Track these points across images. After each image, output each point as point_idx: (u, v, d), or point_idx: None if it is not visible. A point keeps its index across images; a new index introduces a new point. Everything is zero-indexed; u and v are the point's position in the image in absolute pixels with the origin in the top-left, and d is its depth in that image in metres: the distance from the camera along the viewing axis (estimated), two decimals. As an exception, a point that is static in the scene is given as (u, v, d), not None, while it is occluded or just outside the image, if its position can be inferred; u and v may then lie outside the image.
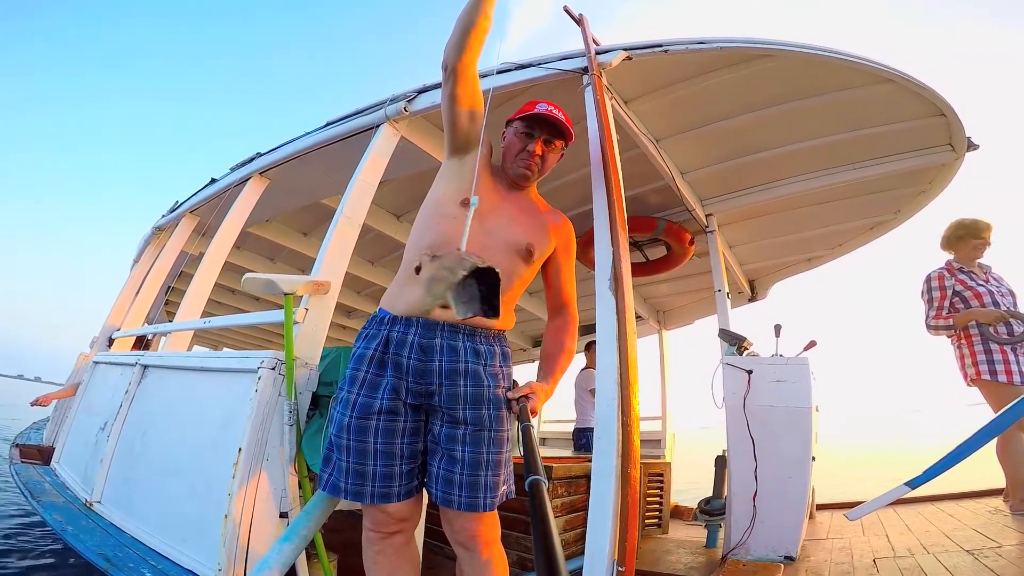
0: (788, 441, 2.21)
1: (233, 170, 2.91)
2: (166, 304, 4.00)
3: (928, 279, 2.69)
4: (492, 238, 1.22)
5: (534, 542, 0.52)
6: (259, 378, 1.55)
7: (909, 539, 2.27)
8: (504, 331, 1.30)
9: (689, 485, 4.81)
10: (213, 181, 3.07)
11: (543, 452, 3.43)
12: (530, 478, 0.63)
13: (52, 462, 2.78)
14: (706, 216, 2.95)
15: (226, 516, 1.41)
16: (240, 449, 1.47)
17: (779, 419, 2.24)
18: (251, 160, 2.80)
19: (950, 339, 2.66)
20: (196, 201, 3.19)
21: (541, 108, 1.34)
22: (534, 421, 1.05)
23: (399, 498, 1.13)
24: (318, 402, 1.70)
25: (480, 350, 1.19)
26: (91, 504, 2.08)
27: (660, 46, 2.00)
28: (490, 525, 1.15)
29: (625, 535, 1.21)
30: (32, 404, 3.28)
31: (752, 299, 3.86)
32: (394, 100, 2.28)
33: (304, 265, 4.04)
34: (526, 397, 1.10)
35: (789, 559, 2.07)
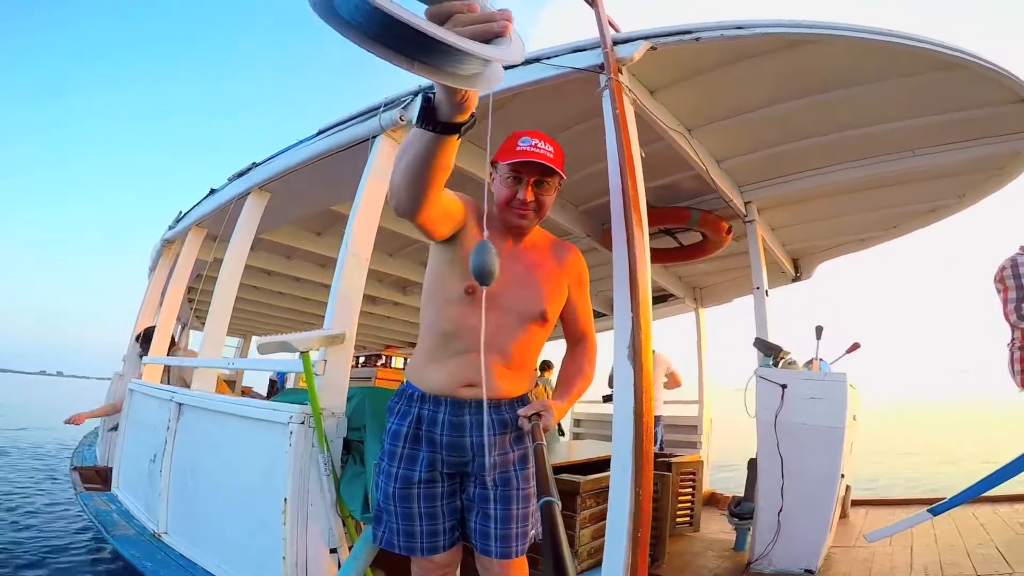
0: (817, 460, 2.15)
1: (231, 180, 2.79)
2: (191, 302, 4.06)
3: (1014, 263, 2.35)
4: (506, 314, 1.22)
5: (545, 563, 0.53)
6: (291, 432, 1.59)
7: (930, 555, 2.26)
8: (525, 395, 1.31)
9: (723, 456, 4.80)
10: (213, 192, 2.97)
11: (576, 445, 3.40)
12: (543, 500, 0.64)
13: (112, 487, 2.88)
14: (745, 204, 2.65)
15: (284, 558, 1.53)
16: (285, 499, 1.55)
17: (810, 437, 2.15)
18: (247, 171, 2.66)
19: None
20: (200, 214, 3.11)
21: (524, 144, 1.17)
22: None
23: (444, 549, 1.24)
24: (350, 446, 1.74)
25: (505, 419, 1.25)
26: (160, 535, 2.18)
27: (690, 33, 1.70)
28: (520, 568, 1.27)
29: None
30: (66, 423, 3.22)
31: (796, 279, 3.56)
32: (388, 107, 2.06)
33: (322, 262, 4.00)
34: (538, 415, 1.11)
35: (809, 572, 2.11)
